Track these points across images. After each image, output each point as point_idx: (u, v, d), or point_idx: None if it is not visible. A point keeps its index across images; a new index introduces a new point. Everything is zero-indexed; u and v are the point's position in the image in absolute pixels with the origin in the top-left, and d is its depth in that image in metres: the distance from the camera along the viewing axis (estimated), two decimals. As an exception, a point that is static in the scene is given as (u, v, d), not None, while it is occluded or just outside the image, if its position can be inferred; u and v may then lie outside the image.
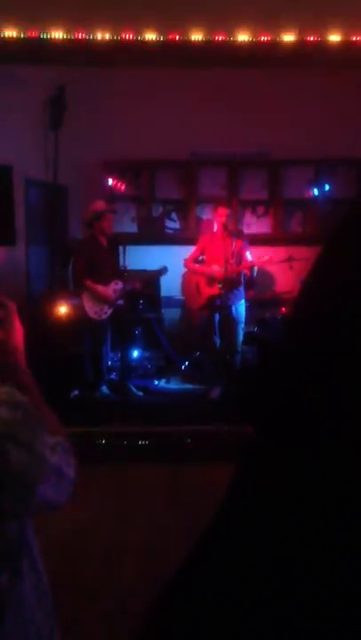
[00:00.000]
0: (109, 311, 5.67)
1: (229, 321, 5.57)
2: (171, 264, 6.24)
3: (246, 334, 5.81)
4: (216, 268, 5.55)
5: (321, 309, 0.45)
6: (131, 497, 4.00)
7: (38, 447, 1.05)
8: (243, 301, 5.69)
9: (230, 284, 5.49)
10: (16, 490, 1.02)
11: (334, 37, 4.49)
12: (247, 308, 5.78)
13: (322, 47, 4.48)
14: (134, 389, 5.71)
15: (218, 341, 5.63)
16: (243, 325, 5.71)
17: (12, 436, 1.02)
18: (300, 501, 0.42)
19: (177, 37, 4.39)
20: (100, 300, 5.64)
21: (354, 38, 4.29)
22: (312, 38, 4.46)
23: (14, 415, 1.04)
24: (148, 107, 6.79)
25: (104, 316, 5.65)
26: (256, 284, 6.27)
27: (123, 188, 7.16)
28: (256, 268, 5.72)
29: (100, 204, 5.79)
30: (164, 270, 5.99)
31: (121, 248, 5.72)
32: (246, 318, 5.76)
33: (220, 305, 5.56)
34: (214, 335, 5.66)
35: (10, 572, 1.06)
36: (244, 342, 5.74)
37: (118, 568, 3.05)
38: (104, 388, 5.66)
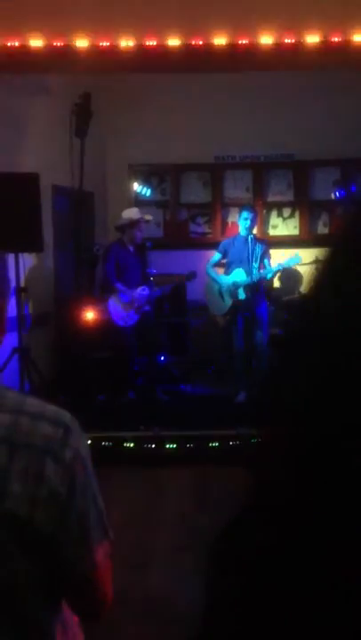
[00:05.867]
0: (135, 317, 5.68)
1: (253, 324, 5.55)
2: (196, 268, 6.24)
3: (271, 337, 5.78)
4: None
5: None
6: (158, 499, 4.01)
7: (76, 468, 1.05)
8: (265, 304, 5.66)
9: (253, 288, 5.47)
10: (50, 506, 1.01)
11: (358, 38, 4.46)
12: (271, 311, 5.75)
13: (346, 48, 4.46)
14: (161, 394, 5.72)
15: (243, 345, 5.60)
16: (266, 328, 5.67)
17: (50, 451, 1.02)
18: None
19: (200, 42, 4.42)
20: (127, 305, 5.66)
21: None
22: (336, 39, 4.44)
23: (55, 432, 1.04)
24: (172, 111, 6.82)
25: (130, 322, 5.66)
26: (280, 286, 6.25)
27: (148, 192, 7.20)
28: (278, 273, 5.70)
29: (135, 212, 5.78)
30: (192, 275, 5.95)
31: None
32: (271, 321, 5.73)
33: (243, 309, 5.54)
34: (239, 339, 5.64)
35: None
36: (268, 345, 5.71)
37: (146, 568, 3.07)
38: (131, 393, 5.69)
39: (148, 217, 6.06)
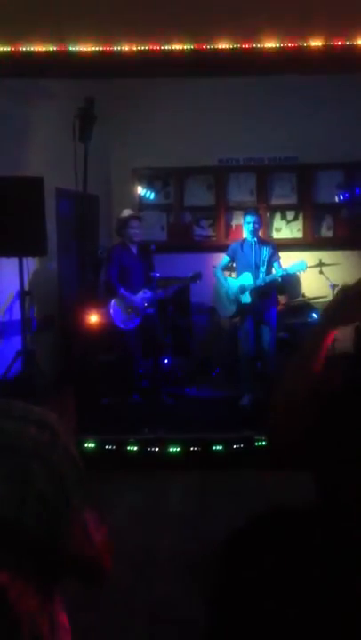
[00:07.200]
0: (137, 320, 5.66)
1: (261, 328, 5.55)
2: (200, 271, 6.25)
3: (277, 340, 5.78)
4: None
5: None
6: (161, 502, 4.01)
7: (65, 468, 1.06)
8: (274, 309, 5.66)
9: (259, 292, 5.47)
10: (39, 507, 1.02)
11: (362, 41, 4.47)
12: (278, 315, 5.75)
13: (349, 52, 4.47)
14: (165, 396, 5.73)
15: (249, 348, 5.60)
16: (275, 332, 5.67)
17: (36, 453, 1.03)
18: None
19: (203, 47, 4.43)
20: (129, 308, 5.66)
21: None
22: (339, 43, 4.45)
23: (41, 435, 1.05)
24: (176, 115, 6.84)
25: (132, 326, 5.65)
26: (286, 290, 6.24)
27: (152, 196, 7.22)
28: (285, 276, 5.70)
29: (125, 212, 5.83)
30: (197, 276, 5.93)
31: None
32: (277, 324, 5.73)
33: (251, 313, 5.54)
34: (249, 342, 5.64)
35: None
36: (276, 348, 5.71)
37: (149, 571, 3.07)
38: (135, 396, 5.69)
39: (138, 214, 6.08)
